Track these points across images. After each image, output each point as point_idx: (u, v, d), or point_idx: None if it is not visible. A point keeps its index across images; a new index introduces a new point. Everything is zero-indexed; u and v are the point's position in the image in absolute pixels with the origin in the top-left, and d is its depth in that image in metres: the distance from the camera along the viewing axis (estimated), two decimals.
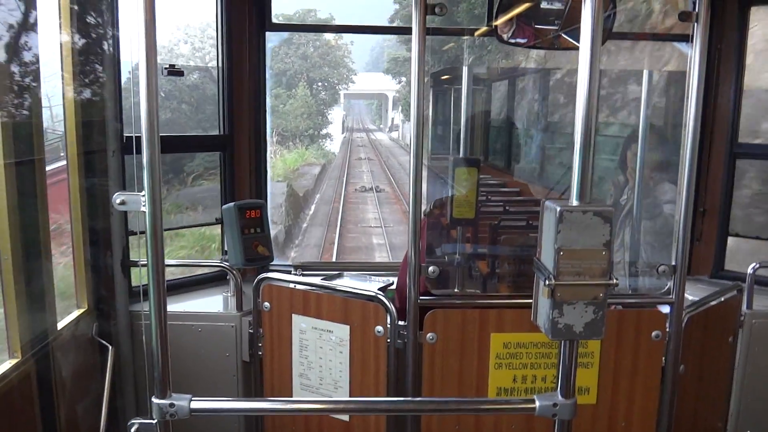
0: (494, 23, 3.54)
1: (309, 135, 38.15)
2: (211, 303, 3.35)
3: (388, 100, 54.97)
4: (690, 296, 2.95)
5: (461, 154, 3.24)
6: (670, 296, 2.54)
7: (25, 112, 2.40)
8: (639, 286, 2.97)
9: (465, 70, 3.14)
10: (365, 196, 24.65)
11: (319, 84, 41.75)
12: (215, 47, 3.50)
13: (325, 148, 39.15)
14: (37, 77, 2.47)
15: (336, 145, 42.34)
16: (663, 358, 2.55)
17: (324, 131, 40.64)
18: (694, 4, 2.33)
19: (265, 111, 3.66)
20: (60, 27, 2.75)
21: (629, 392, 2.56)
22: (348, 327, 2.61)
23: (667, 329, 2.53)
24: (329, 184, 27.59)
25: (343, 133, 49.72)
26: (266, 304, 2.80)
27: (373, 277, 3.38)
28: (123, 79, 2.96)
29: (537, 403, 1.75)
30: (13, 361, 2.34)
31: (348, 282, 3.24)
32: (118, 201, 1.66)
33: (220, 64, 3.52)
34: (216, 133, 3.63)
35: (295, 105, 38.34)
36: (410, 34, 2.27)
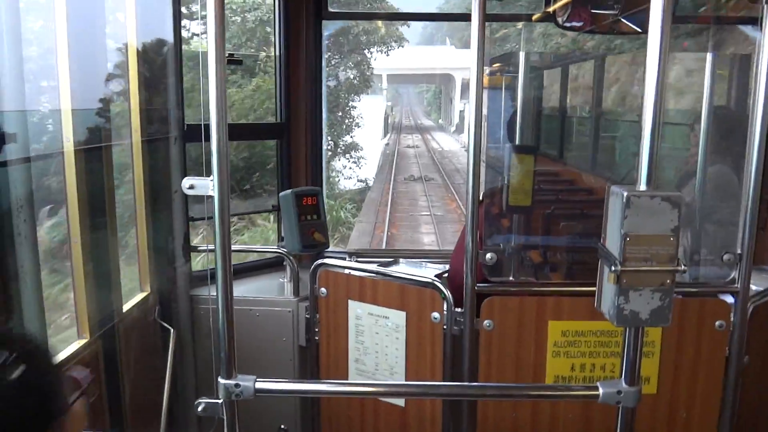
0: (551, 8, 3.51)
1: None
2: (268, 288, 3.41)
3: (454, 83, 36.62)
4: (755, 286, 2.87)
5: (516, 142, 3.20)
6: (735, 285, 2.48)
7: (94, 101, 2.48)
8: (701, 275, 2.90)
9: (522, 56, 3.10)
10: None
11: (336, 55, 20.22)
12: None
13: (336, 190, 18.88)
14: (104, 69, 2.56)
15: (369, 168, 21.88)
16: (726, 349, 2.50)
17: (346, 139, 20.56)
18: None
19: (321, 100, 3.70)
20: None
21: (691, 383, 2.51)
22: (404, 313, 2.62)
23: (732, 319, 2.48)
24: None
25: (384, 136, 30.90)
26: (323, 289, 2.83)
27: (427, 264, 3.38)
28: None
29: (600, 390, 1.74)
30: (82, 342, 2.43)
31: (403, 268, 3.25)
32: (187, 185, 1.71)
33: (277, 53, 3.58)
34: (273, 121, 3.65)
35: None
36: (469, 20, 2.26)
